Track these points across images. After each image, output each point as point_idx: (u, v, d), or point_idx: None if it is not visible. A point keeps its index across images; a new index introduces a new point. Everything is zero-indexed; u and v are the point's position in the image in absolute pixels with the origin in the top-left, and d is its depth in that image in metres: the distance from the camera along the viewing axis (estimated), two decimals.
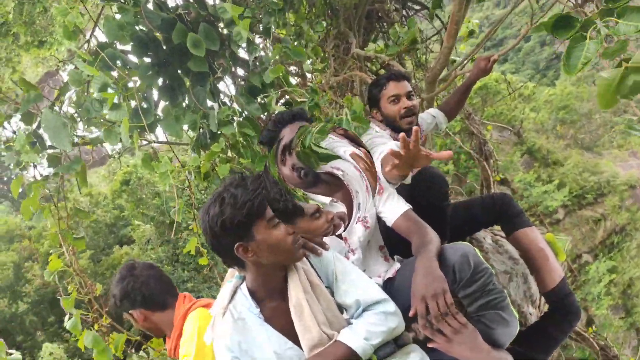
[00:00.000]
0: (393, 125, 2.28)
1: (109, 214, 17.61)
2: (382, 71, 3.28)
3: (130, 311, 1.88)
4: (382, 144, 1.99)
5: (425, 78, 3.11)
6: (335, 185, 1.89)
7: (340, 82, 3.24)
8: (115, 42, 1.96)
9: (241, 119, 2.10)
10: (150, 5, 2.01)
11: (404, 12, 3.81)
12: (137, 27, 1.96)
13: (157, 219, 13.88)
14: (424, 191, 1.96)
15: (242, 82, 2.55)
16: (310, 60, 2.97)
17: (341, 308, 1.56)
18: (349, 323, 1.50)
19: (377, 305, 1.48)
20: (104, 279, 15.70)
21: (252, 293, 1.50)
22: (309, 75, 3.27)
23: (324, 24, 2.81)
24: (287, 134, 1.83)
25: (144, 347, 2.22)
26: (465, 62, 3.17)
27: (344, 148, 1.86)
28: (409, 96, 2.26)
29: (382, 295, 1.51)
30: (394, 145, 1.74)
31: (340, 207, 1.90)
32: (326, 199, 2.00)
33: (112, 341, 2.09)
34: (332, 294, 1.57)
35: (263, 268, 1.44)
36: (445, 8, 3.63)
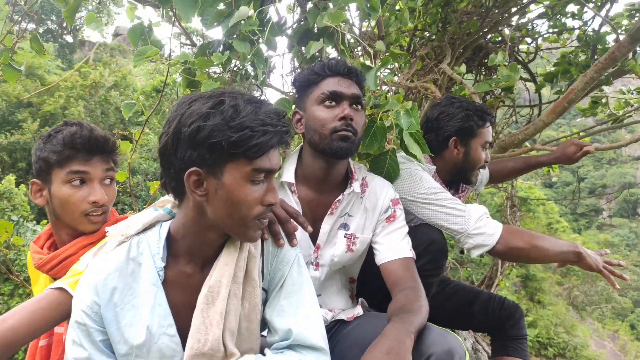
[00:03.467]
0: (460, 172, 1.82)
1: (124, 101, 17.39)
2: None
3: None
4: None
5: (499, 139, 2.64)
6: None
7: (410, 90, 2.80)
8: None
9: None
10: None
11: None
12: None
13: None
14: (416, 257, 1.46)
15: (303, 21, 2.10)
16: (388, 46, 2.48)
17: (264, 324, 1.14)
18: (262, 348, 1.12)
19: (308, 352, 1.07)
20: None
21: (171, 240, 1.07)
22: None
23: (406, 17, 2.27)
24: (332, 85, 1.38)
25: None
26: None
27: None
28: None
29: (322, 343, 1.09)
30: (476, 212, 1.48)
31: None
32: None
33: None
34: (265, 302, 1.12)
35: (202, 219, 1.02)
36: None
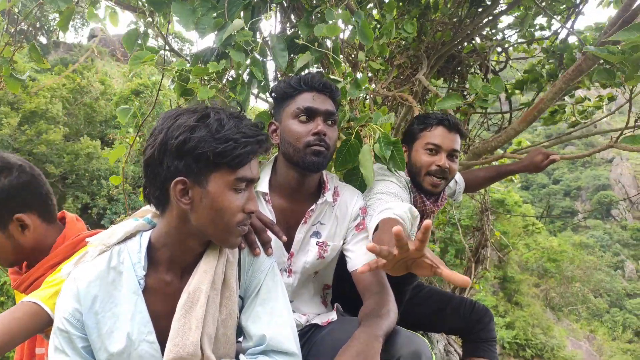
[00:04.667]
0: (413, 178, 1.80)
1: (107, 109, 17.14)
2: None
3: (19, 215, 1.29)
4: (395, 196, 1.54)
5: (472, 147, 2.72)
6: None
7: (387, 98, 2.86)
8: None
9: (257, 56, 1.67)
10: None
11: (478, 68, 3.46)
12: None
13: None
14: None
15: (290, 30, 2.15)
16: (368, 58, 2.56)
17: (240, 330, 1.20)
18: (238, 354, 1.17)
19: (281, 357, 1.13)
20: (57, 159, 15.21)
21: (152, 249, 1.12)
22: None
23: (415, 26, 2.38)
24: (307, 101, 1.44)
25: None
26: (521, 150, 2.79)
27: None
28: (451, 155, 1.76)
29: (294, 348, 1.15)
30: (406, 213, 1.32)
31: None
32: None
33: None
34: (241, 309, 1.17)
35: (185, 227, 1.07)
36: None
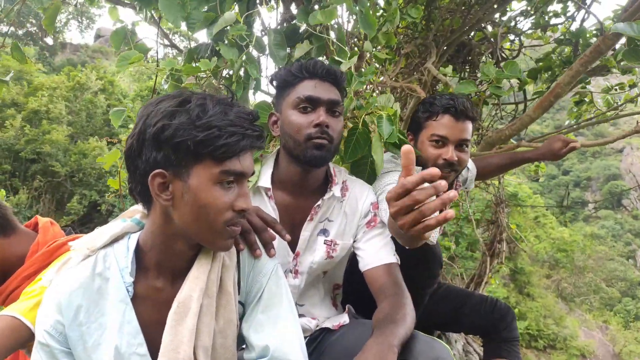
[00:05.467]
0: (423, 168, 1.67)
1: (111, 105, 17.16)
2: None
3: None
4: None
5: (486, 136, 2.62)
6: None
7: (394, 89, 2.76)
8: None
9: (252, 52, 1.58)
10: None
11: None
12: None
13: None
14: (410, 266, 1.40)
15: (287, 22, 2.05)
16: (376, 47, 2.46)
17: (241, 339, 1.10)
18: None
19: None
20: (64, 158, 15.27)
21: (140, 253, 1.02)
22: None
23: (420, 10, 2.28)
24: (308, 89, 1.33)
25: None
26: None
27: None
28: (460, 145, 1.62)
29: (301, 357, 1.04)
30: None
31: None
32: None
33: None
34: (242, 316, 1.07)
35: (169, 227, 0.97)
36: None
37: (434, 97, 1.66)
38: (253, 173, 0.99)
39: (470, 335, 2.23)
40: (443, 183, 0.78)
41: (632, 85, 3.13)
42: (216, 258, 1.03)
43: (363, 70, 1.74)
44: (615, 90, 3.09)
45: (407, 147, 0.82)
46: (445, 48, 3.04)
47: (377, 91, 2.55)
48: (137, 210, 1.11)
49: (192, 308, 0.95)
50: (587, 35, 2.97)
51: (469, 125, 1.63)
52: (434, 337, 1.15)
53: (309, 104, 1.32)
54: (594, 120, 2.89)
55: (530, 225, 17.60)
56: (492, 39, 3.17)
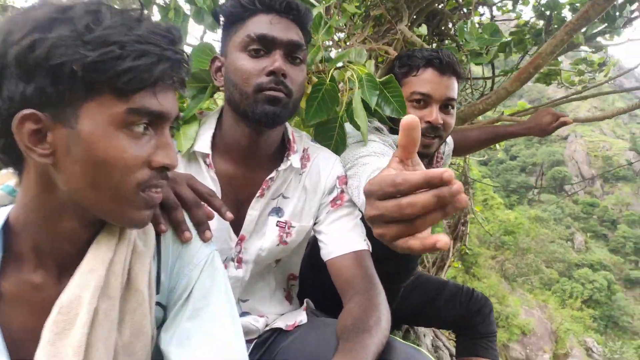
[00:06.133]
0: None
1: None
2: None
3: None
4: (383, 156, 1.17)
5: (457, 111, 2.41)
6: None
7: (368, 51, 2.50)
8: None
9: None
10: None
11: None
12: None
13: None
14: (384, 259, 1.11)
15: None
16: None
17: (160, 352, 0.78)
18: None
19: None
20: None
21: (10, 234, 0.68)
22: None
23: None
24: (262, 27, 1.01)
25: None
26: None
27: None
28: (446, 106, 1.35)
29: None
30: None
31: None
32: None
33: None
34: (161, 324, 0.77)
35: (51, 197, 0.64)
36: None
37: (413, 51, 1.39)
38: (179, 118, 0.68)
39: (440, 330, 2.06)
40: (454, 187, 0.49)
41: (602, 64, 3.04)
42: (123, 241, 0.71)
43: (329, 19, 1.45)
44: (585, 64, 3.00)
45: (411, 119, 0.54)
46: (415, 17, 2.81)
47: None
48: (7, 175, 0.78)
49: (80, 315, 0.64)
50: (561, 8, 2.83)
51: (455, 83, 1.37)
52: (413, 345, 0.91)
53: (262, 46, 1.01)
54: (571, 98, 2.75)
55: (479, 208, 18.20)
56: (465, 9, 2.96)
